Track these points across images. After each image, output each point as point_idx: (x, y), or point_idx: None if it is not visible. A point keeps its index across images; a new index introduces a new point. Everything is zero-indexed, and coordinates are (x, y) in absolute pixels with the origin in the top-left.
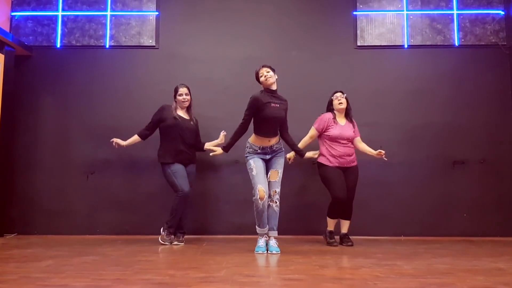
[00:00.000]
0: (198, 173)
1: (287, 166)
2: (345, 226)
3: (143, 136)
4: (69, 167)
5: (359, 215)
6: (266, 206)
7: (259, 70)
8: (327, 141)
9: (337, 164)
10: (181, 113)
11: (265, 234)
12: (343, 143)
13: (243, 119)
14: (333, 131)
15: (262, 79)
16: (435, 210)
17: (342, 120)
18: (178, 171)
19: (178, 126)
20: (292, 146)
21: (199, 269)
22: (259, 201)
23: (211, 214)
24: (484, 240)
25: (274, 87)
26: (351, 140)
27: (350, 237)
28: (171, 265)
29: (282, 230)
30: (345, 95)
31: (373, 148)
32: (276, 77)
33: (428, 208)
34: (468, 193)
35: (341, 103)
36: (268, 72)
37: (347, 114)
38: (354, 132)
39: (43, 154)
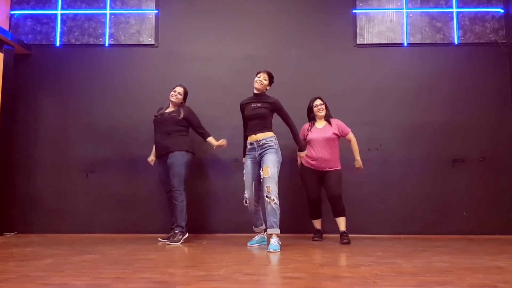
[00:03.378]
0: (198, 172)
1: (287, 165)
2: (341, 223)
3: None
4: (68, 165)
5: (358, 213)
6: (254, 209)
7: (259, 72)
8: (309, 144)
9: (314, 168)
10: (170, 109)
11: (261, 232)
12: (321, 144)
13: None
14: (309, 136)
15: (256, 84)
16: (434, 208)
17: (320, 124)
18: (160, 172)
19: (156, 120)
20: (294, 138)
21: (199, 268)
22: (246, 205)
23: (211, 213)
24: (483, 238)
25: (257, 92)
26: (330, 142)
27: (350, 235)
28: (171, 263)
29: (282, 228)
30: (324, 102)
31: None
32: (267, 84)
33: (428, 206)
34: (468, 191)
35: (320, 111)
36: (259, 77)
37: (326, 118)
38: (337, 131)
39: (43, 152)
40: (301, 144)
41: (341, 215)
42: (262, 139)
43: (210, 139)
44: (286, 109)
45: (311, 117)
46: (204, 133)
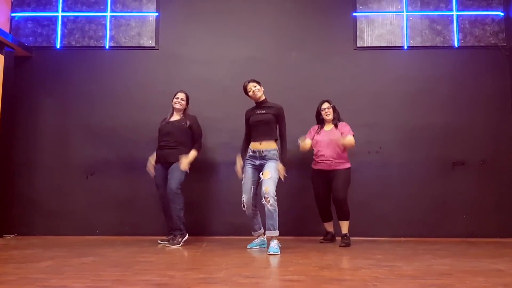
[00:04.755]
0: (197, 174)
1: (288, 167)
2: (343, 226)
3: None
4: (68, 167)
5: (358, 216)
6: (252, 213)
7: (246, 85)
8: (315, 145)
9: (320, 167)
10: (174, 117)
11: (260, 235)
12: (326, 145)
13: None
14: (317, 137)
15: (250, 94)
16: (434, 211)
17: (328, 126)
18: (156, 175)
19: (162, 128)
20: (281, 151)
21: (199, 270)
22: (244, 209)
23: (211, 215)
24: (484, 241)
25: (261, 99)
26: (336, 142)
27: (351, 238)
28: (171, 266)
29: (282, 231)
30: (332, 105)
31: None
32: (263, 88)
33: (428, 209)
34: (468, 194)
35: (328, 114)
36: (255, 86)
37: (334, 121)
38: (342, 133)
39: (42, 154)
40: (284, 160)
41: (345, 219)
42: (265, 151)
43: (192, 152)
44: (286, 111)
45: (320, 120)
46: (196, 144)
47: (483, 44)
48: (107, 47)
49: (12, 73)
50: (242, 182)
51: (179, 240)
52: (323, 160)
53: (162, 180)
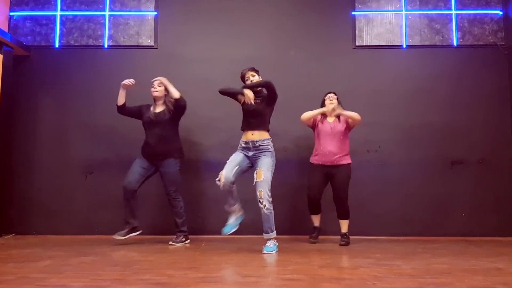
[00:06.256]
0: (196, 173)
1: (286, 167)
2: (343, 225)
3: (121, 106)
4: (67, 167)
5: (357, 215)
6: (228, 188)
7: (245, 73)
8: (316, 137)
9: (321, 162)
10: (158, 108)
11: (233, 212)
12: (330, 137)
13: None
14: (320, 126)
15: (247, 82)
16: (433, 210)
17: (331, 119)
18: (133, 165)
19: (145, 123)
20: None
21: (198, 269)
22: (218, 183)
23: (210, 214)
24: (482, 240)
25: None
26: (339, 135)
27: (350, 236)
28: (170, 265)
29: (281, 230)
30: (337, 96)
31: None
32: (261, 78)
33: (427, 208)
34: (467, 193)
35: (332, 103)
36: (253, 76)
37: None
38: (345, 123)
39: (41, 154)
40: (248, 86)
41: (345, 218)
42: (258, 141)
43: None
44: (284, 110)
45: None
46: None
47: (482, 43)
48: (105, 46)
49: (11, 72)
50: (229, 160)
51: (182, 239)
52: (326, 154)
53: (137, 175)
